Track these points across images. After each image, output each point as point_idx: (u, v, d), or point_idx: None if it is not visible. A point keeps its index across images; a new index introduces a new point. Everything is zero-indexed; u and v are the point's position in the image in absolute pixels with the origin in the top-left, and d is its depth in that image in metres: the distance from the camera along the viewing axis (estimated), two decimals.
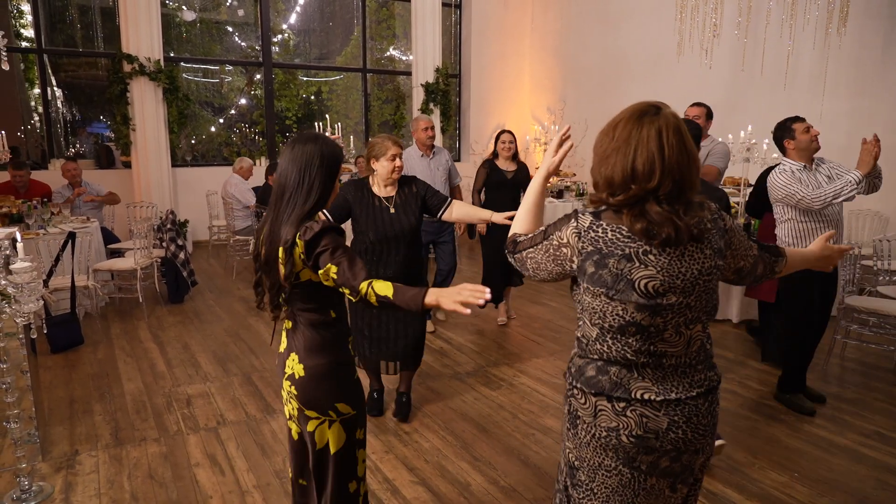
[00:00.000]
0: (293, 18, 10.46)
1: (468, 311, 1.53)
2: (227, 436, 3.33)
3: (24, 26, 8.89)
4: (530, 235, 1.60)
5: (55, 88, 8.89)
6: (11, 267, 2.52)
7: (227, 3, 9.93)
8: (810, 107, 6.12)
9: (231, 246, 7.29)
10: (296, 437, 1.95)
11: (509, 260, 1.67)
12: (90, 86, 9.29)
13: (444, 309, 1.57)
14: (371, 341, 3.37)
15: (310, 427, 1.86)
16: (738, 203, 5.75)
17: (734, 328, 5.25)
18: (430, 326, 5.01)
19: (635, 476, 1.52)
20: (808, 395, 3.78)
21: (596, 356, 1.53)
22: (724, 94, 7.30)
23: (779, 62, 6.60)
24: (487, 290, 1.50)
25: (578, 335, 1.59)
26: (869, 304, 4.29)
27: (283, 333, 1.93)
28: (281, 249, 1.73)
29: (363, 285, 1.62)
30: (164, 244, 5.91)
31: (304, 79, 10.73)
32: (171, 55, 8.82)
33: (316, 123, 7.56)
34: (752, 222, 5.47)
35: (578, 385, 1.56)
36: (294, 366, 1.84)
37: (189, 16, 9.34)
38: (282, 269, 1.75)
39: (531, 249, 1.57)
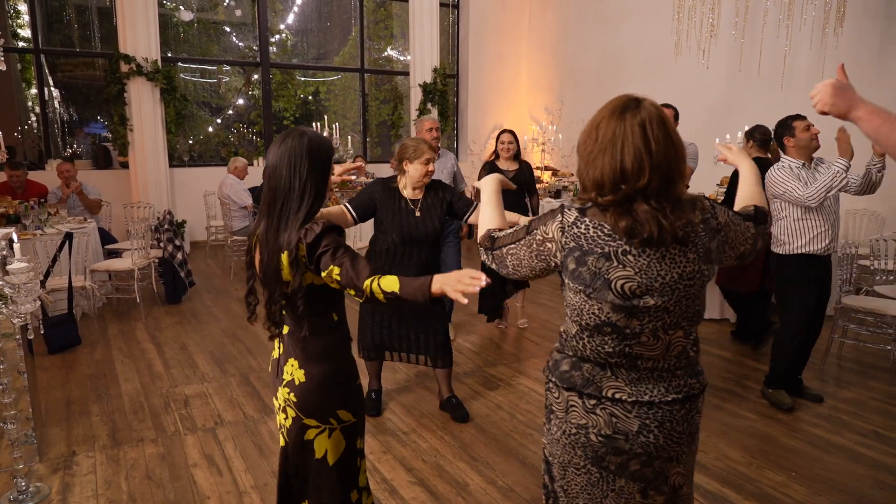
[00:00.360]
0: (291, 18, 10.45)
1: (465, 300, 1.49)
2: (225, 436, 3.33)
3: (20, 26, 8.88)
4: (510, 231, 1.56)
5: (52, 88, 8.88)
6: (8, 267, 2.52)
7: (225, 4, 9.92)
8: (807, 107, 6.08)
9: (229, 246, 7.28)
10: (283, 443, 1.87)
11: (484, 257, 1.62)
12: (87, 86, 9.27)
13: (447, 296, 1.53)
14: (385, 332, 3.39)
15: (308, 436, 1.78)
16: None
17: (732, 327, 5.25)
18: (451, 333, 4.91)
19: (603, 476, 1.50)
20: (805, 394, 3.79)
21: (571, 352, 1.51)
22: (721, 95, 7.32)
23: (776, 62, 6.61)
24: (484, 275, 1.48)
25: (561, 330, 1.58)
26: (866, 303, 4.30)
27: (277, 338, 1.85)
28: (285, 256, 1.66)
29: (367, 283, 1.56)
30: (162, 244, 5.91)
31: (302, 79, 10.72)
32: (169, 55, 8.81)
33: (314, 123, 7.55)
34: None
35: (553, 379, 1.55)
36: (294, 372, 1.77)
37: (186, 16, 9.33)
38: (287, 278, 1.68)
39: (512, 245, 1.53)
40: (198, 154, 10.01)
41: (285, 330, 1.81)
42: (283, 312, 1.78)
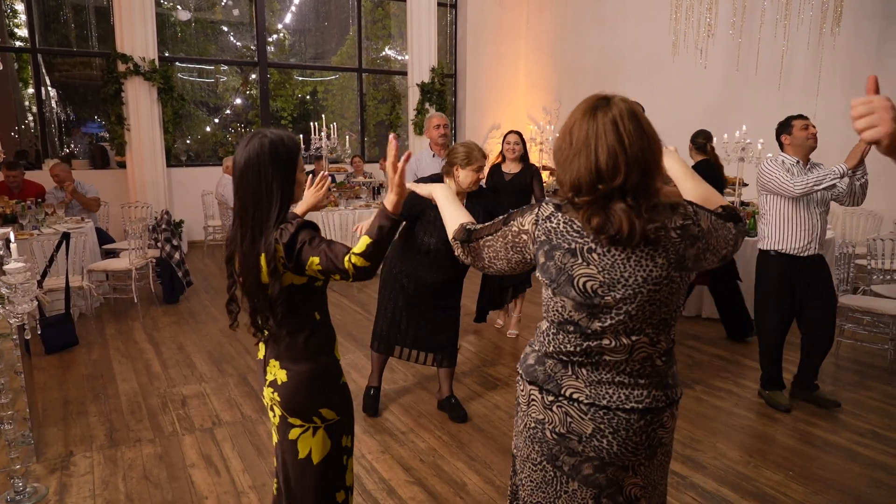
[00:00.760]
0: (288, 18, 10.44)
1: (401, 162, 1.56)
2: (223, 436, 3.32)
3: (17, 26, 8.86)
4: (488, 224, 1.55)
5: (49, 88, 8.86)
6: (5, 267, 2.51)
7: (223, 3, 9.91)
8: (805, 106, 6.13)
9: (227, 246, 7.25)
10: (275, 440, 1.88)
11: (458, 251, 1.60)
12: (84, 86, 9.26)
13: (396, 189, 1.58)
14: (397, 326, 3.39)
15: (292, 435, 1.78)
16: (732, 202, 5.76)
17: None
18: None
19: (557, 476, 1.49)
20: (818, 401, 3.71)
21: (538, 347, 1.52)
22: (719, 94, 7.32)
23: (773, 61, 6.62)
24: (391, 136, 1.54)
25: (538, 324, 1.58)
26: (863, 303, 4.31)
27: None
28: (263, 259, 1.66)
29: (346, 261, 1.56)
30: (159, 244, 5.90)
31: (300, 78, 10.72)
32: (166, 55, 8.80)
33: (311, 123, 7.54)
34: (748, 221, 5.50)
35: (520, 371, 1.56)
36: (276, 372, 1.77)
37: (184, 15, 9.32)
38: (266, 280, 1.67)
39: (489, 237, 1.53)
40: (195, 154, 10.00)
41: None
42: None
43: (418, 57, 9.73)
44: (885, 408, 3.71)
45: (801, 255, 3.56)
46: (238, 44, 10.09)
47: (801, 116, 3.62)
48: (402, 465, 3.05)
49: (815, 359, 3.71)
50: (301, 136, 8.52)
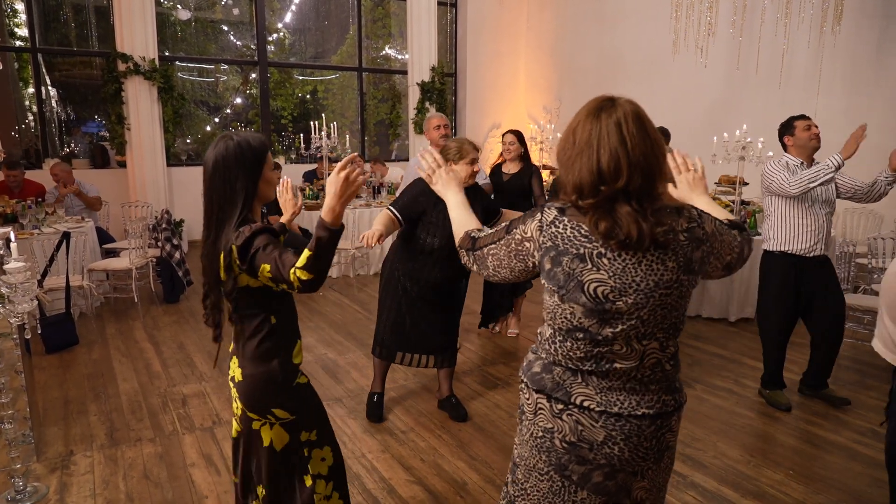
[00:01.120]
0: (288, 17, 10.43)
1: (362, 177, 1.53)
2: (223, 435, 3.32)
3: (17, 25, 8.86)
4: (491, 231, 1.54)
5: (49, 88, 8.86)
6: (5, 267, 2.51)
7: (223, 2, 9.90)
8: (805, 105, 6.14)
9: None
10: (234, 434, 1.95)
11: (464, 259, 1.60)
12: (85, 85, 9.25)
13: (340, 198, 1.53)
14: (400, 329, 3.37)
15: (254, 426, 1.86)
16: (732, 202, 5.76)
17: (731, 326, 5.26)
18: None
19: (565, 485, 1.46)
20: (828, 398, 3.74)
21: (544, 355, 1.48)
22: (719, 93, 7.32)
23: (774, 60, 6.61)
24: (355, 154, 1.51)
25: (539, 331, 1.54)
26: (864, 302, 4.31)
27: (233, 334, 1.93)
28: (221, 258, 1.72)
29: (291, 273, 1.54)
30: (160, 244, 5.90)
31: (300, 78, 10.71)
32: (166, 54, 8.79)
33: (311, 122, 7.54)
34: (748, 220, 5.49)
35: (525, 380, 1.52)
36: (235, 369, 1.85)
37: (184, 15, 9.31)
38: (223, 277, 1.73)
39: (493, 246, 1.51)
40: (195, 153, 9.99)
41: (236, 329, 1.89)
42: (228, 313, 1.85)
43: (418, 56, 9.73)
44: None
45: (808, 255, 3.55)
46: (238, 43, 10.09)
47: (803, 117, 3.61)
48: (402, 464, 3.05)
49: (828, 355, 3.70)
50: (301, 135, 8.53)
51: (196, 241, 8.61)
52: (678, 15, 6.96)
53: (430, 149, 1.58)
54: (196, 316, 5.47)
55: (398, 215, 3.15)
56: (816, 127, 3.57)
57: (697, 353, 4.60)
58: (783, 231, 3.59)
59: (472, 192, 3.29)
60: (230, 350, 1.92)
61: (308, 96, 10.86)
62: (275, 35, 10.30)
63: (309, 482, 1.92)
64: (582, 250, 1.35)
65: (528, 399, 1.51)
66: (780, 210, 3.59)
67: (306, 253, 1.53)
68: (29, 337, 2.94)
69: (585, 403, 1.41)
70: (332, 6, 10.64)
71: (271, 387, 1.81)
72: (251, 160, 1.74)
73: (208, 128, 10.29)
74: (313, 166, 8.66)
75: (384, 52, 11.15)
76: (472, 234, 1.59)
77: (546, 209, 1.42)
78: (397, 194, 3.39)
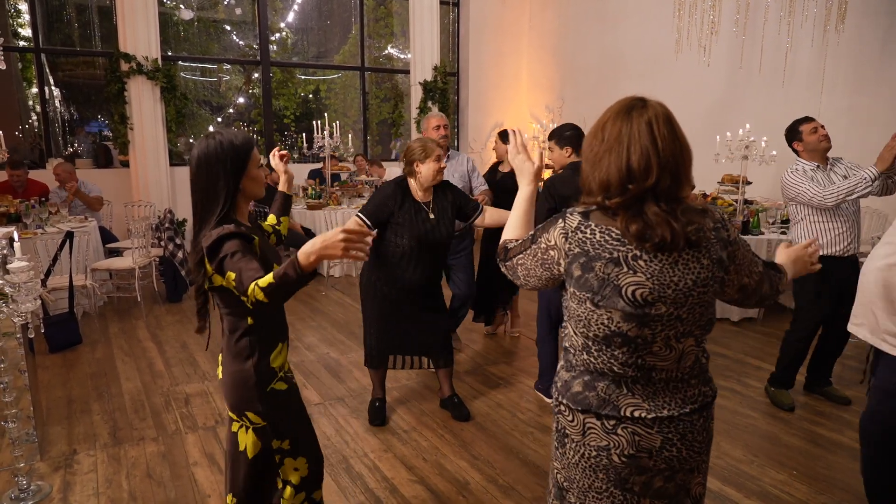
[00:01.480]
0: (291, 17, 10.44)
1: (362, 255, 1.47)
2: (226, 435, 3.32)
3: (21, 25, 8.88)
4: (520, 241, 1.53)
5: (53, 88, 8.87)
6: (9, 266, 2.52)
7: (225, 2, 9.91)
8: (808, 104, 6.12)
9: None
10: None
11: (503, 269, 1.59)
12: (88, 85, 9.27)
13: (323, 250, 1.46)
14: (387, 336, 3.36)
15: (234, 427, 1.89)
16: (735, 201, 5.75)
17: (733, 325, 5.25)
18: (457, 344, 4.66)
19: (627, 498, 1.45)
20: (831, 396, 3.74)
21: (581, 368, 1.45)
22: (722, 92, 7.30)
23: (777, 59, 6.59)
24: (358, 222, 1.48)
25: (565, 345, 1.50)
26: None
27: None
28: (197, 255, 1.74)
29: (250, 287, 1.51)
30: (163, 243, 5.91)
31: (303, 77, 10.72)
32: (169, 54, 8.80)
33: (314, 122, 7.54)
34: (752, 219, 5.48)
35: (565, 401, 1.47)
36: (220, 365, 1.89)
37: (186, 14, 9.32)
38: (194, 274, 1.76)
39: (521, 255, 1.51)
40: None
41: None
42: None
43: (421, 55, 9.72)
44: None
45: (844, 255, 3.51)
46: (241, 43, 10.10)
47: (807, 119, 3.57)
48: (404, 463, 3.06)
49: (837, 346, 3.70)
50: (304, 134, 8.53)
51: None
52: (681, 13, 6.94)
53: (517, 129, 1.56)
54: None
55: (367, 221, 3.16)
56: (823, 127, 3.53)
57: None
58: (818, 235, 3.51)
59: (443, 189, 3.30)
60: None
61: (310, 96, 10.87)
62: (277, 34, 10.31)
63: (280, 486, 1.94)
64: (616, 254, 1.33)
65: (571, 421, 1.47)
66: (809, 216, 3.54)
67: (270, 277, 1.49)
68: (32, 336, 2.95)
69: (637, 413, 1.40)
70: (335, 5, 10.64)
71: (243, 388, 1.82)
72: (234, 158, 1.73)
73: (211, 127, 10.30)
74: (318, 165, 8.68)
75: (386, 52, 11.15)
76: (506, 245, 1.58)
77: (568, 215, 1.41)
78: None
